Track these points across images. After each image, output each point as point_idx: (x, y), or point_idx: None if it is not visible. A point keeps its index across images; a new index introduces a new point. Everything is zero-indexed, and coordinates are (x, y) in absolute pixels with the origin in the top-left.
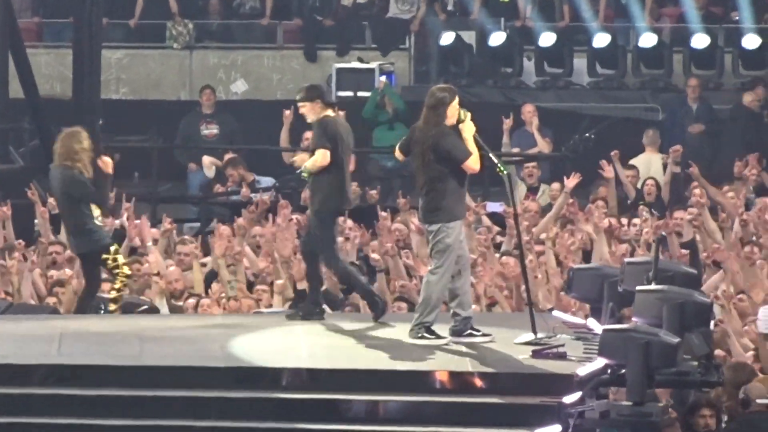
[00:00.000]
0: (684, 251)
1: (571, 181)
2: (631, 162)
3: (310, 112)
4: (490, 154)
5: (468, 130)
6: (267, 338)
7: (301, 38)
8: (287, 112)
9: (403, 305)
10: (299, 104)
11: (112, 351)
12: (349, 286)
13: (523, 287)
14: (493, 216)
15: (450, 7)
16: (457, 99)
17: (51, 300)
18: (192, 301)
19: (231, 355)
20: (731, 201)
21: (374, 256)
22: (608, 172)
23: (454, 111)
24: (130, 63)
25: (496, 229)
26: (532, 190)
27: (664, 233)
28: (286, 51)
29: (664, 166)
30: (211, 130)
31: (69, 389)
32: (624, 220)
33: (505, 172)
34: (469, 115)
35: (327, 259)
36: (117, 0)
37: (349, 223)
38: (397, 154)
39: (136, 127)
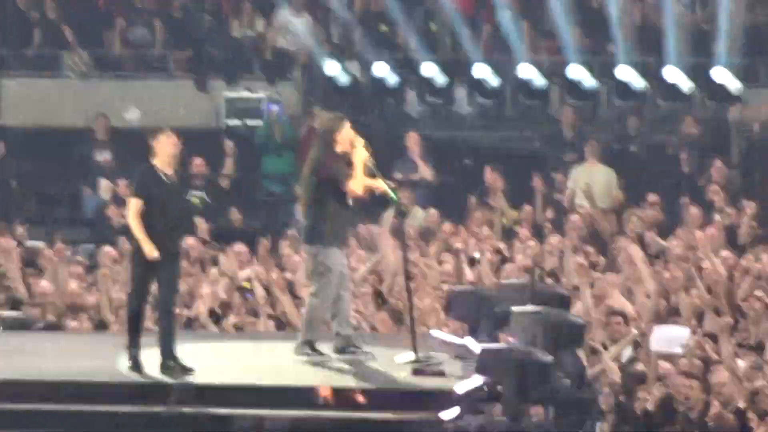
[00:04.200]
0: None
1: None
2: (575, 171)
3: None
4: (381, 181)
5: (359, 156)
6: (157, 355)
7: (191, 68)
8: None
9: (270, 322)
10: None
11: (9, 366)
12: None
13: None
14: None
15: (335, 40)
16: (348, 126)
17: None
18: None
19: (121, 371)
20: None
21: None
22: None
23: (345, 137)
24: (26, 91)
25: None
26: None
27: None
28: (178, 81)
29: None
30: (104, 156)
31: None
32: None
33: (395, 197)
34: (362, 141)
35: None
36: (14, 29)
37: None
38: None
39: (33, 154)
